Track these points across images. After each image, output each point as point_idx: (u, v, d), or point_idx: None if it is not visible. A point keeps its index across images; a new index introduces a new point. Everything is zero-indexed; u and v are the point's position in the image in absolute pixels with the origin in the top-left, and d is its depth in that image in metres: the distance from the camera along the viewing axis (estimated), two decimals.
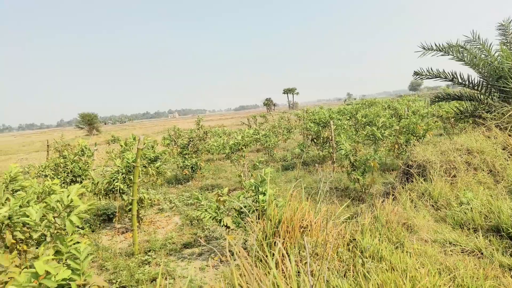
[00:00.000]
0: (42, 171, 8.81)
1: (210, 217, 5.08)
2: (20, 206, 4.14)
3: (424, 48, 7.46)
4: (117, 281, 4.69)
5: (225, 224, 5.00)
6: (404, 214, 3.46)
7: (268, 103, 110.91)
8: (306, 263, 2.13)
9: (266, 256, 2.63)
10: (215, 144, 12.50)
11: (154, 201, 7.75)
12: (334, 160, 9.70)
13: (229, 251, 5.68)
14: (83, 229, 6.37)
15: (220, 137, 17.34)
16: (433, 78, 7.65)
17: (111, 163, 13.23)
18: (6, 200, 4.33)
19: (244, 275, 2.13)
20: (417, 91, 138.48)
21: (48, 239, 3.44)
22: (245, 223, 4.83)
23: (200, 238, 6.10)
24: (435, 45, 7.46)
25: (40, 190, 4.86)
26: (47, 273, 2.85)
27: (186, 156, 11.37)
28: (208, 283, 4.51)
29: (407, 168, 5.86)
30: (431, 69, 7.66)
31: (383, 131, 8.74)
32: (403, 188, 5.03)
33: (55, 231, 3.52)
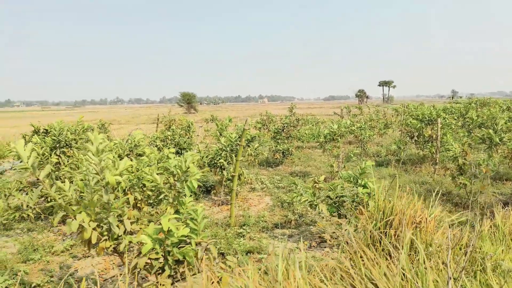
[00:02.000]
0: (154, 141, 9.94)
1: (306, 201, 5.21)
2: (141, 170, 4.78)
3: None
4: (217, 247, 5.14)
5: (320, 211, 5.08)
6: None
7: (361, 95, 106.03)
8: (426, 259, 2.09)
9: (374, 246, 2.64)
10: (307, 132, 12.57)
11: (248, 179, 8.19)
12: (437, 161, 8.99)
13: (319, 237, 5.77)
14: (190, 196, 7.07)
15: (312, 125, 17.31)
16: None
17: (208, 140, 14.22)
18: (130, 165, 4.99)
19: (356, 261, 2.18)
20: None
21: (170, 200, 3.92)
22: (340, 212, 4.84)
23: (291, 221, 6.29)
24: None
25: (159, 156, 5.52)
26: (169, 230, 3.28)
27: (279, 141, 11.66)
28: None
29: None
30: None
31: (502, 135, 7.78)
32: None
33: (175, 193, 3.99)
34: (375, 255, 1.84)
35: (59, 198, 2.77)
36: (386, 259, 2.36)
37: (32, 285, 4.30)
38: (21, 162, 2.77)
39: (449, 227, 3.22)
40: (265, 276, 2.06)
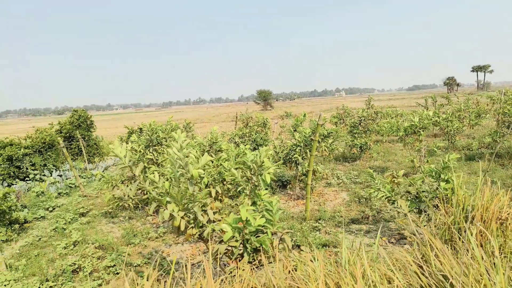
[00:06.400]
0: (233, 138, 10.51)
1: (383, 196, 5.09)
2: (221, 165, 5.17)
3: None
4: (292, 240, 5.32)
5: (399, 206, 4.92)
6: None
7: (450, 83, 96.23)
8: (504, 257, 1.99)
9: (454, 241, 2.55)
10: (386, 126, 12.01)
11: (323, 175, 8.20)
12: None
13: (398, 233, 5.58)
14: (266, 189, 7.38)
15: (392, 118, 16.45)
16: None
17: (283, 135, 14.46)
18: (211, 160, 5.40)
19: (435, 256, 2.16)
20: None
21: (247, 192, 4.22)
22: (420, 208, 4.64)
23: (369, 217, 6.17)
24: None
25: (236, 152, 5.89)
26: (247, 219, 3.54)
27: (356, 135, 11.37)
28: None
29: None
30: None
31: None
32: None
33: (252, 186, 4.27)
34: (447, 248, 1.82)
35: (152, 190, 3.21)
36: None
37: (134, 265, 5.00)
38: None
39: None
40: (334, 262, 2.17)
